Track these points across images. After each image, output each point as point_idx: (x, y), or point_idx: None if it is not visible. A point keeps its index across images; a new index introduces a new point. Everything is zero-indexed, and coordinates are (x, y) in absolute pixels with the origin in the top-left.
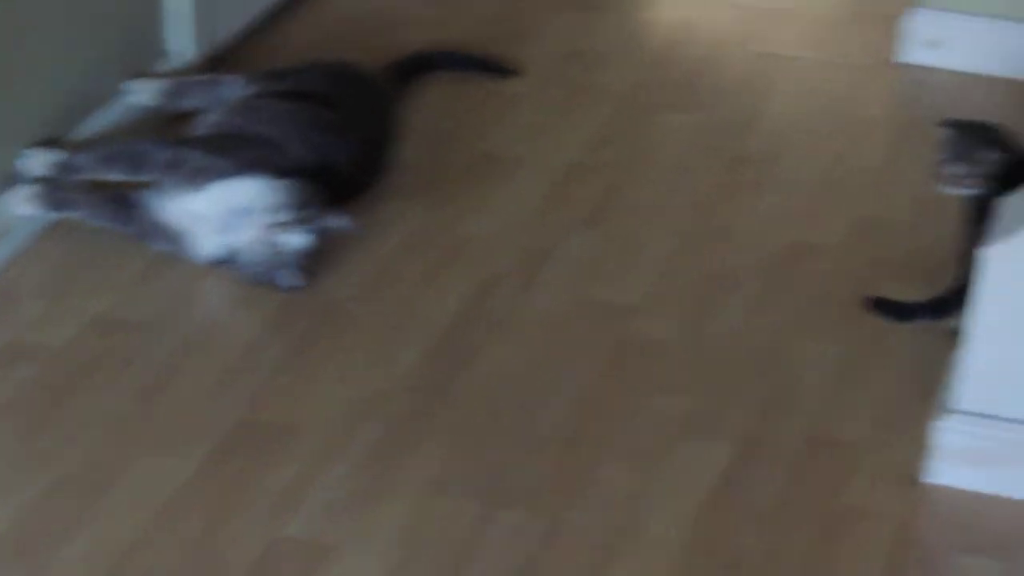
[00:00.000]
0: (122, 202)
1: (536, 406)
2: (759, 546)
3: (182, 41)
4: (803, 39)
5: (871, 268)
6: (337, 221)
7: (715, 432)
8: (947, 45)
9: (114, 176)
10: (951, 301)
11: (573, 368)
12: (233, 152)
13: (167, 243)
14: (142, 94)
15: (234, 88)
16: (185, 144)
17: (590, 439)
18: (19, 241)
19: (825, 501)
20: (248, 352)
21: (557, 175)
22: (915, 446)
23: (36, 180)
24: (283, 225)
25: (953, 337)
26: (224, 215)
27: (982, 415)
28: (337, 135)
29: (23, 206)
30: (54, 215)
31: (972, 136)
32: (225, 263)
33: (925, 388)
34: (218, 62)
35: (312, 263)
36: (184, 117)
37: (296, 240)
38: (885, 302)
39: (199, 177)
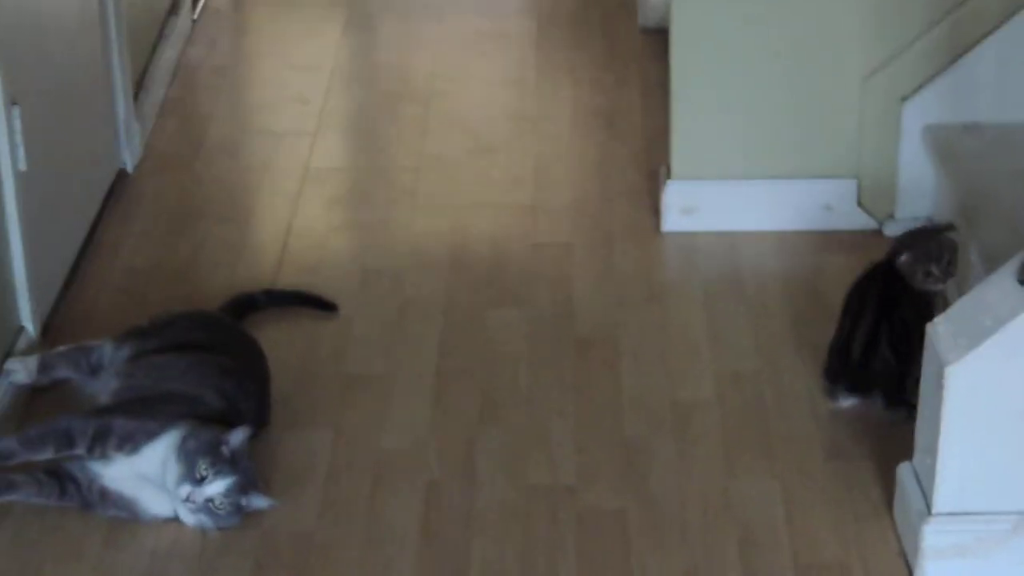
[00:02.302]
0: (60, 477)
1: None
2: None
3: (27, 314)
4: (574, 225)
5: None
6: (260, 501)
7: None
8: (701, 210)
9: (44, 456)
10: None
11: (555, 555)
12: (156, 412)
13: (116, 509)
14: (19, 373)
15: (103, 353)
16: (106, 413)
17: None
18: None
19: None
20: None
21: (428, 384)
22: (894, 554)
23: None
24: (216, 471)
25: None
26: (162, 473)
27: (962, 513)
28: (240, 379)
29: None
30: None
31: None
32: (190, 518)
33: (881, 496)
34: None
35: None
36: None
37: (223, 483)
38: None
39: (130, 442)
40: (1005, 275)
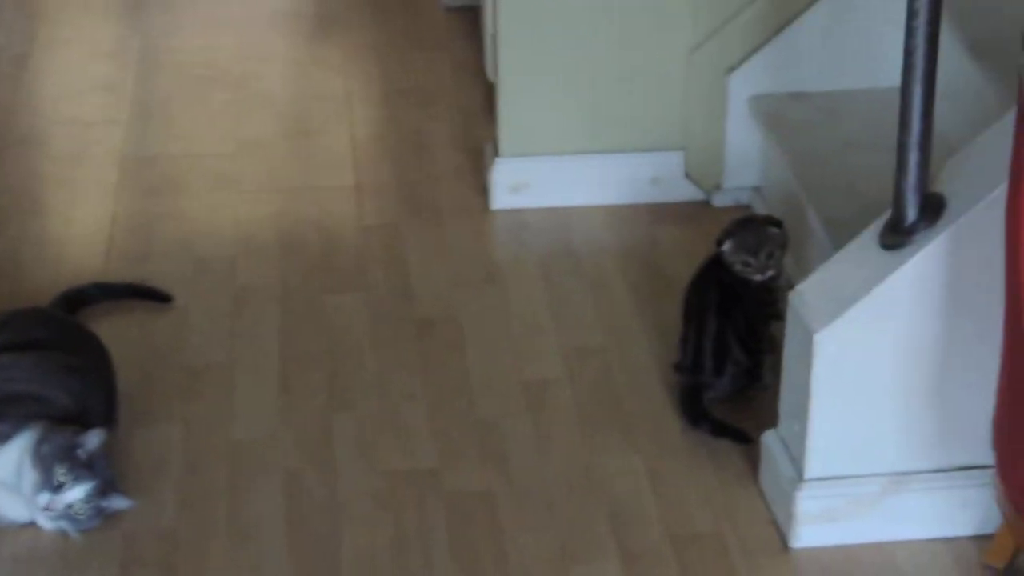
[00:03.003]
0: None
1: None
2: None
3: None
4: (401, 206)
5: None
6: (120, 502)
7: (596, 556)
8: (531, 187)
9: None
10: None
11: (427, 541)
12: (5, 414)
13: None
14: None
15: None
16: None
17: None
18: None
19: None
20: None
21: (272, 372)
22: (764, 521)
23: None
24: (74, 477)
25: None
26: (17, 478)
27: (832, 478)
28: (87, 377)
29: None
30: None
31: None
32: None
33: (744, 465)
34: None
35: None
36: None
37: (82, 488)
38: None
39: None
40: (867, 241)
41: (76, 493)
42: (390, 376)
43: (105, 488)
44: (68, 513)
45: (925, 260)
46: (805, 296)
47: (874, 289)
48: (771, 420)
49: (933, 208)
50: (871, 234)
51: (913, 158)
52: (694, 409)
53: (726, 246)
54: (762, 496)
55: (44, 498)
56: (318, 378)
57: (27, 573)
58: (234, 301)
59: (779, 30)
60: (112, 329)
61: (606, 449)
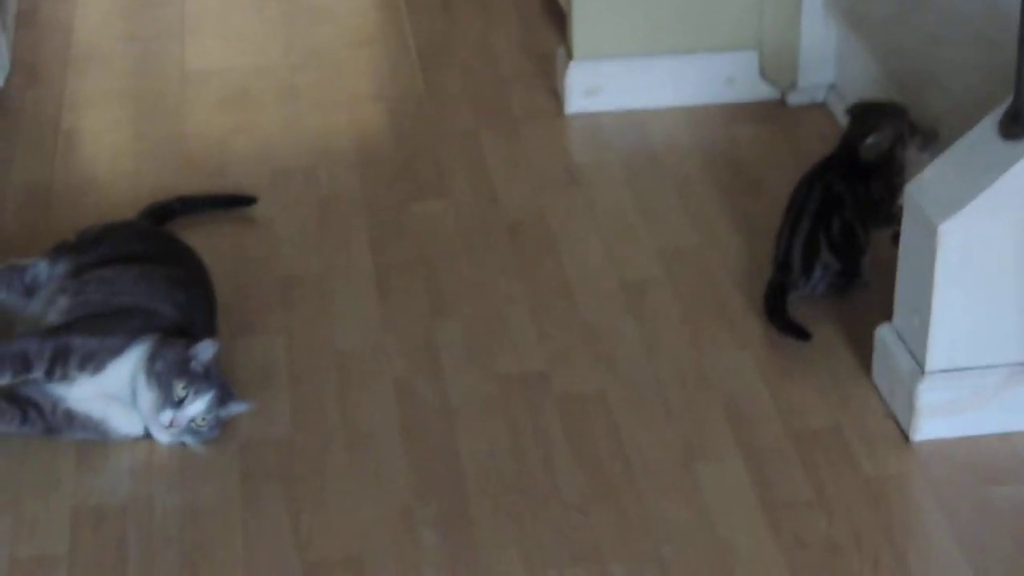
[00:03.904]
0: (20, 402)
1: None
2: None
3: None
4: (474, 113)
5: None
6: (237, 407)
7: (719, 454)
8: (605, 90)
9: (3, 381)
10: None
11: (546, 443)
12: (115, 327)
13: (83, 432)
14: None
15: (38, 271)
16: (63, 332)
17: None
18: None
19: (847, 478)
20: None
21: (368, 281)
22: (880, 415)
23: None
24: (194, 390)
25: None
26: (131, 389)
27: (955, 369)
28: (189, 289)
29: None
30: None
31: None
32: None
33: (853, 360)
34: None
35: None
36: None
37: (203, 400)
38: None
39: (93, 360)
40: (985, 131)
41: (198, 406)
42: (487, 281)
43: (224, 397)
44: (190, 426)
45: None
46: (925, 188)
47: (997, 180)
48: (874, 315)
49: None
50: (989, 124)
51: None
52: (773, 304)
53: (871, 139)
54: (876, 389)
55: (167, 415)
56: (415, 285)
57: (147, 489)
58: (319, 211)
59: None
60: (202, 242)
61: (714, 347)
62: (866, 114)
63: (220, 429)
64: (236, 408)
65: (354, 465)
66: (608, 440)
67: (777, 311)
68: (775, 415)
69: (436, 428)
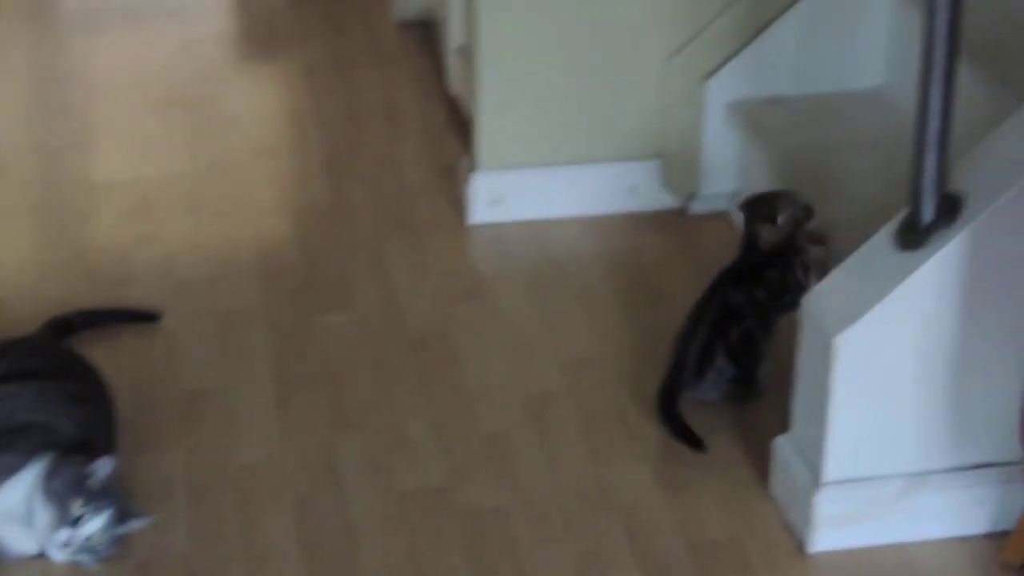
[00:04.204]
0: None
1: None
2: None
3: None
4: (377, 223)
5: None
6: (136, 523)
7: (618, 567)
8: (508, 199)
9: None
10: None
11: (445, 559)
12: (12, 445)
13: None
14: None
15: None
16: None
17: None
18: None
19: None
20: None
21: (270, 395)
22: (778, 526)
23: None
24: (91, 508)
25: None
26: (28, 508)
27: (852, 480)
28: (89, 405)
29: None
30: None
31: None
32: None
33: (752, 471)
34: None
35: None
36: None
37: (100, 518)
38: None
39: None
40: (881, 241)
41: (95, 524)
42: (390, 394)
43: (122, 514)
44: (87, 545)
45: (944, 260)
46: (822, 299)
47: (893, 290)
48: (774, 425)
49: (950, 207)
50: (886, 235)
51: (931, 158)
52: (666, 403)
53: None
54: (773, 501)
55: (64, 534)
56: (317, 399)
57: None
58: (222, 324)
59: (755, 35)
60: (103, 355)
61: (614, 459)
62: (759, 204)
63: (117, 547)
64: (135, 524)
65: None
66: (507, 556)
67: (670, 412)
68: (674, 527)
69: (336, 544)
